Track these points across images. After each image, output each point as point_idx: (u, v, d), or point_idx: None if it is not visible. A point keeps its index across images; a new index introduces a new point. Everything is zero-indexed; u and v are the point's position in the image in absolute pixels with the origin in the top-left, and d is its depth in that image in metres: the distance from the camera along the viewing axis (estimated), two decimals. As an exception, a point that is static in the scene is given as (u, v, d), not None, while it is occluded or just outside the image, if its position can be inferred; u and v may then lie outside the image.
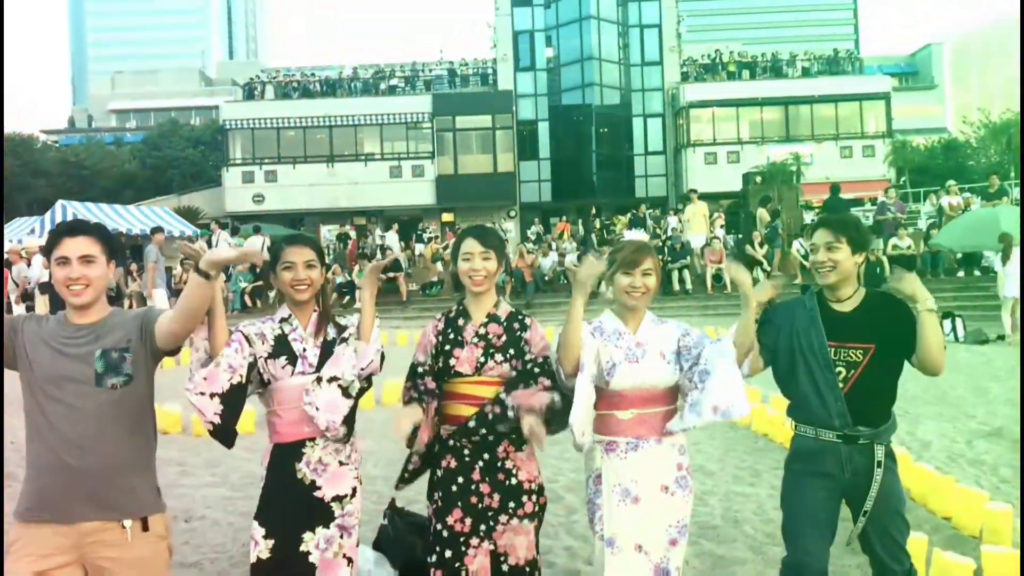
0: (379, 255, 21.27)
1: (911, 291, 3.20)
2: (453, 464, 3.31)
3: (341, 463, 3.28)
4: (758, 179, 23.62)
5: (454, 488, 3.29)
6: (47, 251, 2.85)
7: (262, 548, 3.15)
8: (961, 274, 19.28)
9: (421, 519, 3.70)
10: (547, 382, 3.29)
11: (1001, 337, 13.74)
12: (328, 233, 32.79)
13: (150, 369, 2.91)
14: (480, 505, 3.26)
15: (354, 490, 3.31)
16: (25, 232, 21.87)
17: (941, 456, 6.82)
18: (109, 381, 2.76)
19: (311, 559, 3.15)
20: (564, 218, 32.30)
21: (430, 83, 41.15)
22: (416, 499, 5.21)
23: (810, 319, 3.38)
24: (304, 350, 3.26)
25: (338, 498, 3.25)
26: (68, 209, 22.95)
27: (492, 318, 3.42)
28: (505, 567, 3.24)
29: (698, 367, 3.18)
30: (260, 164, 37.53)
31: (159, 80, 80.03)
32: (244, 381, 3.11)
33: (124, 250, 21.20)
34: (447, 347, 3.37)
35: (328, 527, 3.20)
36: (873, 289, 3.49)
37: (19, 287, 17.65)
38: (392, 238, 23.85)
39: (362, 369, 3.26)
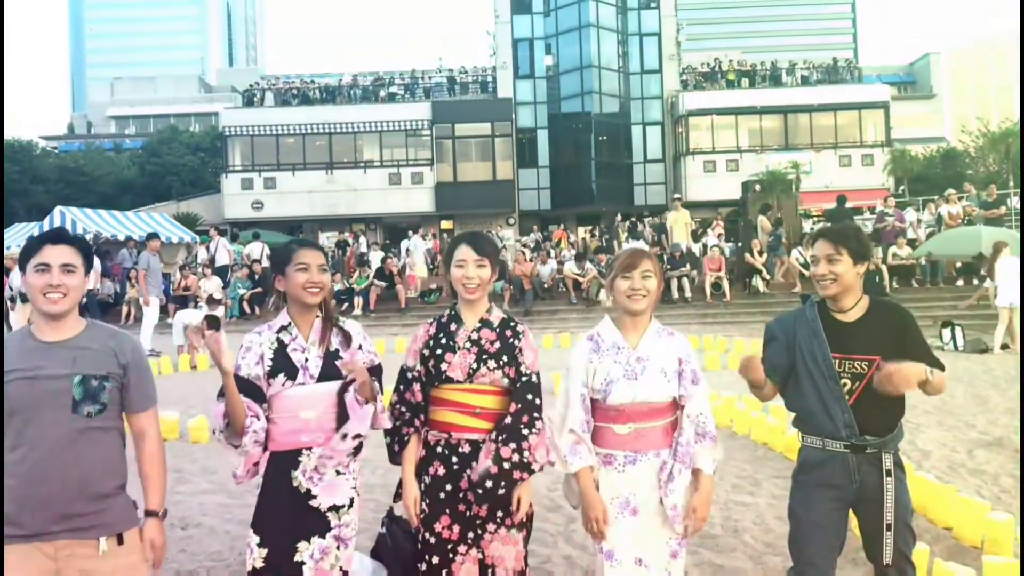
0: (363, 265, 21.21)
1: (905, 384, 3.10)
2: (441, 471, 3.27)
3: (338, 472, 3.23)
4: (757, 187, 23.65)
5: (442, 495, 3.25)
6: (24, 258, 2.81)
7: (256, 557, 3.11)
8: (960, 283, 19.28)
9: (419, 528, 3.67)
10: (537, 402, 3.27)
11: (1005, 347, 13.70)
12: (327, 240, 32.80)
13: (120, 399, 2.89)
14: (468, 513, 3.23)
15: (351, 501, 3.27)
16: (24, 238, 21.83)
17: (942, 466, 6.79)
18: (86, 409, 2.73)
19: (305, 569, 3.10)
20: (561, 226, 32.32)
21: (429, 91, 41.24)
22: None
23: (812, 331, 3.35)
24: (306, 360, 3.20)
25: (335, 508, 3.20)
26: (67, 215, 22.95)
27: (485, 323, 3.38)
28: None
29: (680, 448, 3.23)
30: (259, 171, 37.55)
31: (158, 86, 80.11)
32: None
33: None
34: (439, 351, 3.32)
35: (324, 537, 3.16)
36: (876, 297, 3.46)
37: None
38: (375, 255, 23.64)
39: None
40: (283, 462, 3.17)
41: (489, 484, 3.16)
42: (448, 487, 3.26)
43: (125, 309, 19.52)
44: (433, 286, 21.37)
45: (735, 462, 7.11)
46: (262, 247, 21.99)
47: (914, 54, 65.08)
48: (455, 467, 3.26)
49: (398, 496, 3.45)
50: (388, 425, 3.33)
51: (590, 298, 19.54)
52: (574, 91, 39.68)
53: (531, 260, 20.79)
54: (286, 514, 3.15)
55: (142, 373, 2.93)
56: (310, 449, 3.18)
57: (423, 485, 3.31)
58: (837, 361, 3.27)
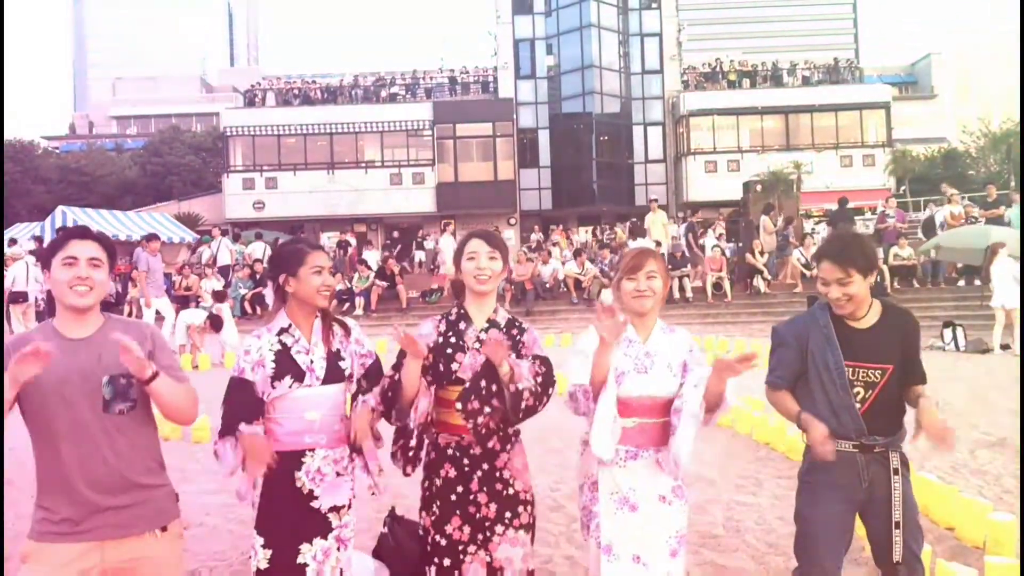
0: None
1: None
2: (452, 474, 3.28)
3: (339, 473, 3.24)
4: (758, 188, 23.64)
5: (453, 497, 3.26)
6: (51, 252, 2.83)
7: (261, 558, 3.12)
8: (961, 283, 19.28)
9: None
10: (542, 370, 3.26)
11: (1005, 346, 13.69)
12: (328, 240, 32.80)
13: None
14: (478, 515, 3.24)
15: (350, 502, 3.29)
16: (26, 238, 21.85)
17: (944, 466, 6.79)
18: (117, 407, 2.77)
19: (308, 571, 3.11)
20: (561, 226, 32.33)
21: (431, 91, 41.22)
22: (417, 507, 5.19)
23: (825, 337, 3.32)
24: (311, 362, 3.20)
25: (335, 509, 3.21)
26: (68, 215, 22.98)
27: (492, 324, 3.38)
28: None
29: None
30: (261, 171, 37.56)
31: (160, 86, 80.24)
32: None
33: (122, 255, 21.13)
34: (448, 351, 3.32)
35: (326, 538, 3.17)
36: (887, 301, 3.44)
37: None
38: (370, 255, 23.58)
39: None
40: (286, 463, 3.17)
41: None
42: (459, 489, 3.26)
43: (127, 309, 19.51)
44: (435, 286, 21.37)
45: (737, 462, 7.11)
46: (264, 247, 22.01)
47: (915, 54, 64.96)
48: (466, 469, 3.27)
49: (409, 464, 3.43)
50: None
51: (591, 298, 19.53)
52: (575, 91, 39.66)
53: (531, 260, 20.79)
54: (289, 516, 3.15)
55: (167, 356, 2.96)
56: (313, 451, 3.19)
57: (435, 488, 3.31)
58: (850, 369, 3.26)
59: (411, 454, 3.28)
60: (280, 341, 3.22)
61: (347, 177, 37.40)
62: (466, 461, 3.27)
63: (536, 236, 28.44)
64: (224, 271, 20.32)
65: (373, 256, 22.26)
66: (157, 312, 14.28)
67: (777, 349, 3.46)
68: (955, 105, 56.97)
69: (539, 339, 3.49)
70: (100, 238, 2.90)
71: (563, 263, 21.13)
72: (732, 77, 41.49)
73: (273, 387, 3.15)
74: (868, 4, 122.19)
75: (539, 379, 3.21)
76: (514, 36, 40.21)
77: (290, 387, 3.16)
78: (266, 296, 17.81)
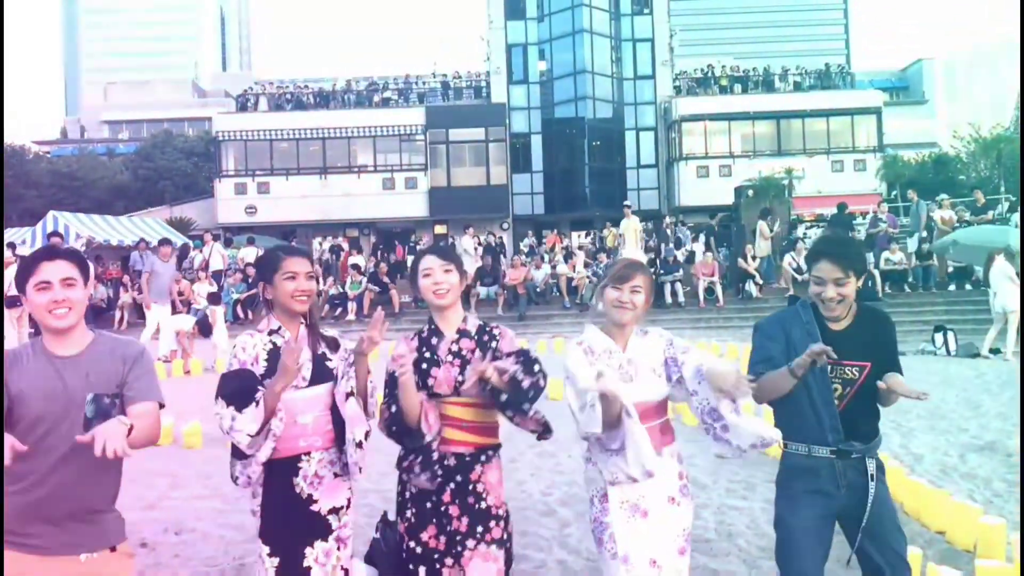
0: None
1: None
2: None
3: (336, 475, 3.26)
4: (750, 192, 23.71)
5: (428, 505, 3.27)
6: (24, 276, 2.79)
7: (269, 567, 3.14)
8: (952, 288, 19.36)
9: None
10: (521, 359, 3.25)
11: (995, 351, 13.72)
12: (319, 246, 32.75)
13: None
14: (449, 528, 3.24)
15: (348, 501, 3.31)
16: (17, 243, 21.77)
17: (934, 470, 6.81)
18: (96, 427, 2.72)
19: (313, 574, 3.14)
20: (555, 231, 32.36)
21: (423, 95, 41.21)
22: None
23: (807, 334, 3.34)
24: (299, 363, 3.22)
25: (335, 510, 3.24)
26: (59, 220, 22.87)
27: (463, 334, 3.39)
28: None
29: (706, 404, 3.18)
30: (253, 175, 37.52)
31: (152, 91, 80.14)
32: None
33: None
34: (423, 366, 3.33)
35: (327, 540, 3.19)
36: (863, 303, 3.48)
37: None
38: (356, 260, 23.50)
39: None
40: (284, 469, 3.19)
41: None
42: (433, 498, 3.27)
43: (118, 314, 19.46)
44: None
45: (729, 466, 7.12)
46: (256, 252, 21.96)
47: (906, 60, 65.31)
48: (440, 480, 3.26)
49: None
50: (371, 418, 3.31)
51: (584, 302, 19.56)
52: (568, 96, 39.71)
53: (524, 265, 20.81)
54: (291, 521, 3.17)
55: (145, 374, 2.91)
56: (309, 454, 3.21)
57: (408, 494, 3.32)
58: (829, 367, 3.29)
59: (434, 468, 3.23)
60: (271, 341, 3.26)
61: (340, 182, 37.40)
62: (439, 471, 3.26)
63: (529, 241, 28.48)
64: (216, 276, 20.27)
65: (358, 261, 22.16)
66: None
67: (761, 343, 3.47)
68: (945, 110, 57.26)
69: (514, 338, 3.50)
70: (70, 255, 2.86)
71: (553, 267, 21.14)
72: (724, 82, 41.57)
73: (263, 386, 3.16)
74: (859, 10, 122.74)
75: (523, 364, 3.19)
76: (506, 41, 40.25)
77: None
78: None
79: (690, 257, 22.58)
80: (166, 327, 14.31)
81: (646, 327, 3.44)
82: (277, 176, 37.50)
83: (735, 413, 3.15)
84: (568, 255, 21.65)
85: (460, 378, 3.26)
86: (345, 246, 28.43)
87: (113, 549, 2.86)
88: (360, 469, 3.25)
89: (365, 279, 20.55)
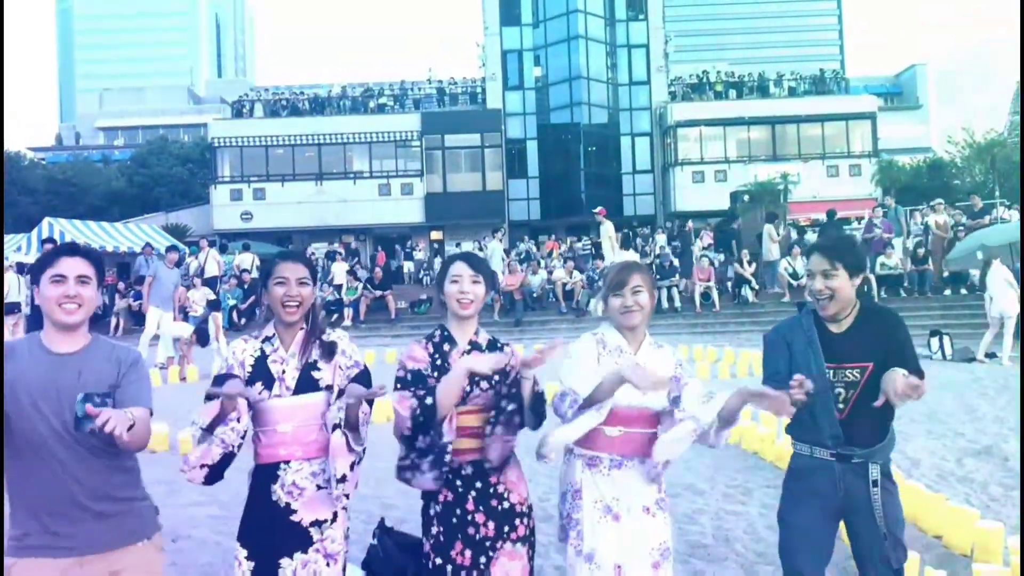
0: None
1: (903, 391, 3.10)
2: (450, 497, 3.25)
3: (319, 487, 3.19)
4: (746, 198, 23.78)
5: (454, 520, 3.23)
6: (40, 268, 2.83)
7: (244, 570, 3.12)
8: (947, 292, 19.39)
9: (411, 539, 3.65)
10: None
11: (991, 355, 13.73)
12: (316, 251, 32.75)
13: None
14: (477, 536, 3.22)
15: (335, 515, 3.23)
16: (11, 249, 21.75)
17: (931, 474, 6.82)
18: (88, 426, 2.67)
19: None
20: (552, 236, 32.38)
21: (419, 102, 41.30)
22: (406, 518, 5.18)
23: (808, 340, 3.34)
24: (283, 372, 3.20)
25: (317, 523, 3.17)
26: (55, 226, 22.85)
27: (475, 345, 3.38)
28: None
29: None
30: (248, 182, 37.53)
31: (147, 98, 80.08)
32: (235, 451, 3.09)
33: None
34: (435, 374, 3.30)
35: (306, 552, 3.13)
36: (866, 303, 3.47)
37: None
38: (337, 267, 23.28)
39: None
40: (264, 476, 3.17)
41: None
42: (458, 511, 3.24)
43: (114, 321, 19.42)
44: (423, 296, 21.35)
45: (726, 471, 7.12)
46: (252, 258, 21.94)
47: (900, 65, 65.59)
48: (460, 490, 3.25)
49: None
50: (357, 448, 3.20)
51: (580, 307, 19.56)
52: (563, 102, 39.82)
53: (522, 271, 20.80)
54: (268, 529, 3.14)
55: (139, 380, 2.92)
56: (288, 463, 3.17)
57: (434, 512, 3.28)
58: (831, 371, 3.27)
59: (444, 468, 3.19)
60: (261, 348, 3.25)
61: (335, 188, 37.41)
62: (459, 483, 3.25)
63: (525, 246, 28.46)
64: (212, 282, 20.24)
65: (341, 268, 22.01)
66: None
67: (768, 358, 3.48)
68: (940, 115, 57.43)
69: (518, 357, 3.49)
70: (88, 254, 2.90)
71: (550, 272, 21.14)
72: (719, 88, 41.70)
73: (248, 391, 3.15)
74: (853, 16, 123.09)
75: (531, 405, 3.27)
76: (502, 47, 40.34)
77: (259, 393, 3.15)
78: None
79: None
80: (165, 334, 14.28)
81: (661, 342, 3.44)
82: (273, 182, 37.51)
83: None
84: (566, 259, 21.66)
85: (467, 388, 3.24)
86: (341, 252, 28.39)
87: (148, 538, 2.90)
88: (348, 496, 3.21)
89: (361, 285, 20.54)
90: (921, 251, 19.82)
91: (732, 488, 6.62)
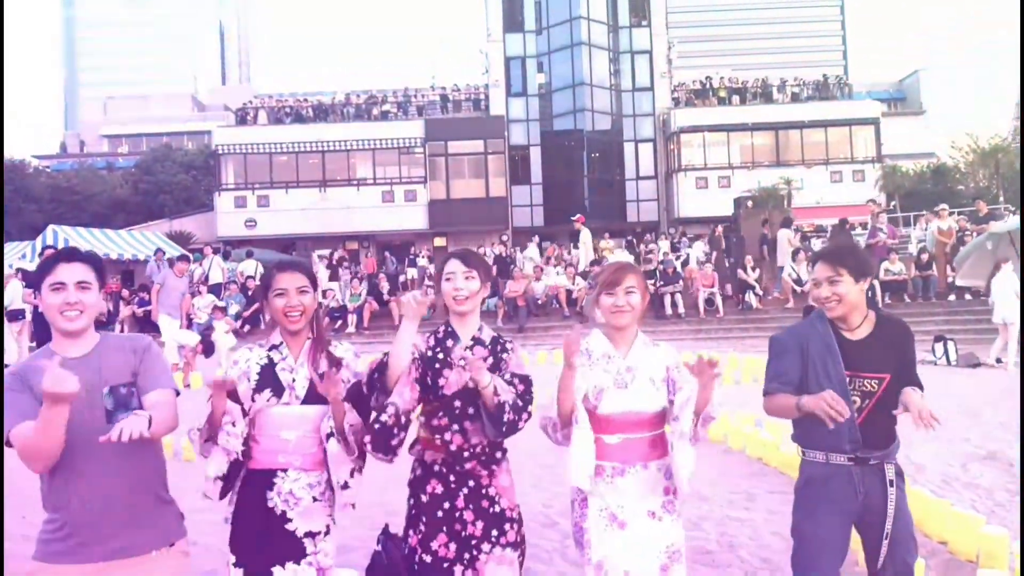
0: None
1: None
2: (439, 490, 3.27)
3: (315, 499, 3.19)
4: (749, 203, 23.73)
5: (440, 514, 3.24)
6: (40, 276, 2.83)
7: None
8: (952, 298, 19.34)
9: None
10: (520, 388, 3.28)
11: (1000, 360, 13.71)
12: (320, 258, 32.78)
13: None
14: (464, 533, 3.22)
15: (328, 528, 3.23)
16: (16, 257, 21.81)
17: (936, 479, 6.80)
18: (120, 417, 2.69)
19: None
20: (554, 244, 32.36)
21: (422, 108, 41.37)
22: (409, 525, 5.16)
23: (825, 346, 3.31)
24: (293, 380, 3.20)
25: (311, 534, 3.16)
26: (59, 234, 22.93)
27: (477, 341, 3.40)
28: None
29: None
30: (252, 189, 37.58)
31: (151, 105, 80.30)
32: (240, 458, 3.11)
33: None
34: (436, 366, 3.32)
35: (299, 563, 3.13)
36: (881, 312, 3.46)
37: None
38: (322, 273, 23.27)
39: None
40: (259, 481, 3.16)
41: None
42: (446, 505, 3.25)
43: (118, 328, 19.44)
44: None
45: (730, 478, 7.11)
46: (256, 265, 21.97)
47: (904, 71, 65.53)
48: (452, 486, 3.26)
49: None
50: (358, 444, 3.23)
51: (583, 313, 19.54)
52: (566, 109, 39.81)
53: (525, 276, 20.79)
54: (261, 536, 3.13)
55: (156, 363, 2.93)
56: (286, 471, 3.16)
57: (420, 504, 3.29)
58: (848, 379, 3.26)
59: (393, 433, 3.15)
60: (268, 356, 3.24)
61: (339, 195, 37.45)
62: (452, 478, 3.26)
63: (529, 252, 28.45)
64: (216, 289, 20.27)
65: (324, 273, 21.90)
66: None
67: (777, 357, 3.42)
68: (943, 120, 57.34)
69: (522, 359, 3.51)
70: (88, 259, 2.89)
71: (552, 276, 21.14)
72: (722, 94, 41.70)
73: (253, 400, 3.15)
74: (856, 21, 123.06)
75: (518, 396, 3.23)
76: (505, 54, 40.37)
77: (268, 401, 3.15)
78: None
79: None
80: (169, 341, 14.31)
81: (659, 341, 3.44)
82: (277, 189, 37.57)
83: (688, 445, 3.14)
84: (568, 265, 21.64)
85: (470, 383, 3.25)
86: (346, 259, 28.41)
87: (171, 545, 2.89)
88: (353, 506, 3.23)
89: (364, 291, 20.55)
90: (925, 256, 19.79)
91: (736, 494, 6.60)
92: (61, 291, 2.78)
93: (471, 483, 3.26)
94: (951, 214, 21.95)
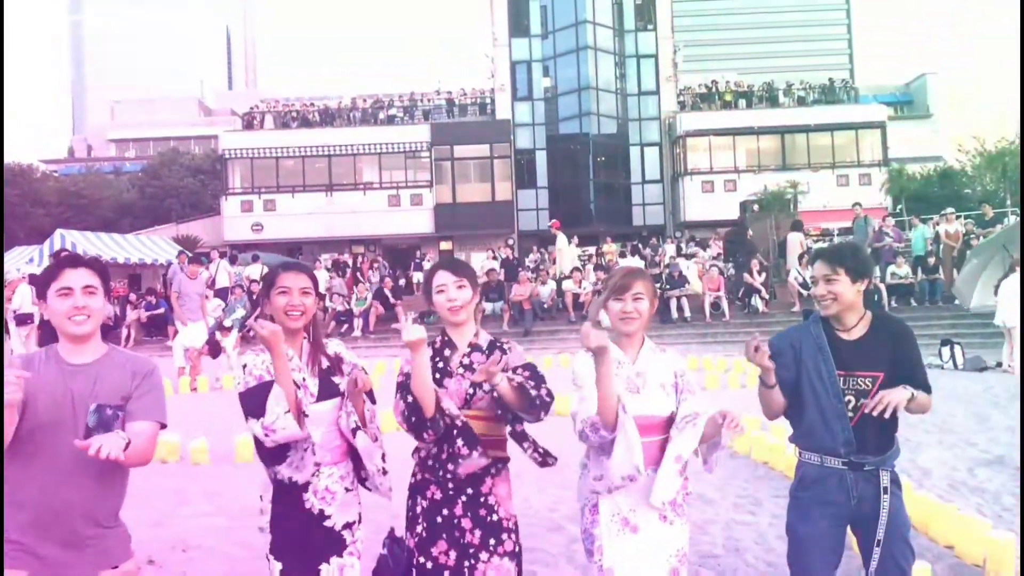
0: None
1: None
2: (438, 495, 3.28)
3: (347, 489, 3.27)
4: (756, 207, 23.71)
5: (439, 519, 3.26)
6: (45, 282, 2.84)
7: None
8: (958, 302, 19.27)
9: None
10: (527, 373, 3.27)
11: (998, 364, 13.69)
12: (324, 262, 32.78)
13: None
14: (462, 541, 3.23)
15: (359, 516, 3.33)
16: (24, 261, 21.88)
17: (942, 484, 6.79)
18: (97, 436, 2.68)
19: None
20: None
21: (428, 113, 41.42)
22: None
23: (817, 347, 3.35)
24: (304, 379, 3.22)
25: (348, 525, 3.25)
26: (67, 238, 23.01)
27: (475, 348, 3.40)
28: None
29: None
30: (259, 193, 37.68)
31: (158, 109, 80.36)
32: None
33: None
34: (436, 375, 3.32)
35: (342, 556, 3.20)
36: (879, 312, 3.47)
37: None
38: (321, 275, 23.15)
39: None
40: (293, 486, 3.18)
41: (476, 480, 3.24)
42: (444, 512, 3.26)
43: (125, 332, 19.50)
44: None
45: (736, 481, 7.10)
46: (261, 268, 22.00)
47: (910, 74, 65.36)
48: (451, 492, 3.27)
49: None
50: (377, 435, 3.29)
51: (589, 318, 19.50)
52: (572, 112, 39.84)
53: (531, 281, 20.80)
54: (304, 538, 3.16)
55: (152, 390, 2.92)
56: (319, 468, 3.20)
57: (419, 508, 3.31)
58: (841, 379, 3.28)
59: (476, 441, 3.19)
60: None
61: (345, 199, 37.52)
62: (451, 484, 3.26)
63: (535, 256, 28.48)
64: (222, 293, 20.30)
65: (322, 276, 21.86)
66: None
67: (772, 359, 3.46)
68: (950, 124, 57.25)
69: (523, 353, 3.52)
70: (93, 264, 2.91)
71: (560, 283, 21.14)
72: (728, 98, 41.65)
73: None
74: (863, 24, 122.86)
75: (531, 376, 3.24)
76: (511, 58, 40.42)
77: None
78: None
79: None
80: (177, 343, 14.34)
81: (665, 346, 3.44)
82: (283, 193, 37.67)
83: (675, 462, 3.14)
84: (575, 270, 21.63)
85: (470, 391, 3.27)
86: (351, 263, 28.45)
87: (114, 567, 2.85)
88: (390, 489, 3.30)
89: (370, 295, 20.58)
90: (932, 260, 19.74)
91: (742, 498, 6.60)
92: (68, 296, 2.80)
93: (470, 490, 3.26)
94: (958, 218, 21.89)
